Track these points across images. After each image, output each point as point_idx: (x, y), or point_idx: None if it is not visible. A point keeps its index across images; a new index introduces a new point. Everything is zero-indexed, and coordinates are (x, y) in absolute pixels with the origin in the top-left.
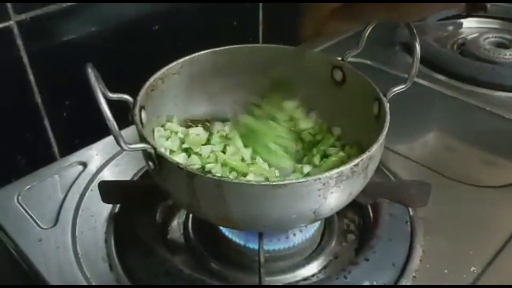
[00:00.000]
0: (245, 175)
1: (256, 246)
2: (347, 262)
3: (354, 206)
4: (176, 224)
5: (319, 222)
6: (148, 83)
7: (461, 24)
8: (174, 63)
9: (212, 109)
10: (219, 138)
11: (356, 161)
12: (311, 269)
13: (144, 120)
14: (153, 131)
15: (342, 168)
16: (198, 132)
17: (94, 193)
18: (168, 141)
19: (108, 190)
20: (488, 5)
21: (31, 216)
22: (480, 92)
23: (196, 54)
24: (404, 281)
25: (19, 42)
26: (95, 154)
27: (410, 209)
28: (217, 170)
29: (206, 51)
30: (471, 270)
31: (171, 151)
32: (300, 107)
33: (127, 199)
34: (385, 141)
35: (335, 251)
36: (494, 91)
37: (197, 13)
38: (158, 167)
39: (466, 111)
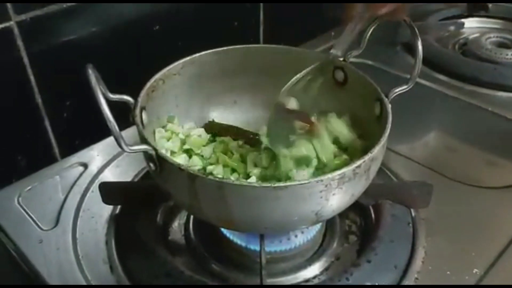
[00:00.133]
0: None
1: (257, 248)
2: (349, 264)
3: (356, 207)
4: (177, 225)
5: (320, 223)
6: (148, 84)
7: (463, 24)
8: (175, 64)
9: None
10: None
11: (358, 162)
12: (312, 270)
13: (145, 121)
14: (154, 132)
15: (344, 170)
16: (199, 133)
17: (95, 194)
18: (169, 142)
19: (109, 191)
20: (490, 5)
21: (31, 217)
22: (482, 93)
23: (197, 54)
24: (406, 283)
25: (20, 42)
26: (96, 155)
27: (412, 210)
28: (218, 172)
29: (207, 52)
30: (474, 271)
31: (172, 152)
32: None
33: (128, 200)
34: (387, 141)
35: (337, 253)
36: (496, 91)
37: (198, 13)
38: (159, 168)
39: (467, 112)
